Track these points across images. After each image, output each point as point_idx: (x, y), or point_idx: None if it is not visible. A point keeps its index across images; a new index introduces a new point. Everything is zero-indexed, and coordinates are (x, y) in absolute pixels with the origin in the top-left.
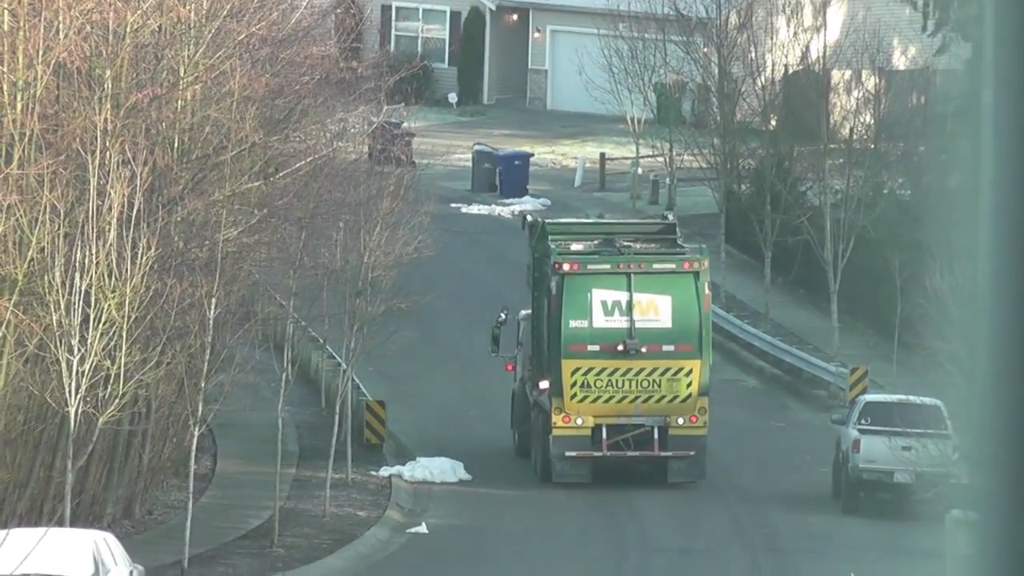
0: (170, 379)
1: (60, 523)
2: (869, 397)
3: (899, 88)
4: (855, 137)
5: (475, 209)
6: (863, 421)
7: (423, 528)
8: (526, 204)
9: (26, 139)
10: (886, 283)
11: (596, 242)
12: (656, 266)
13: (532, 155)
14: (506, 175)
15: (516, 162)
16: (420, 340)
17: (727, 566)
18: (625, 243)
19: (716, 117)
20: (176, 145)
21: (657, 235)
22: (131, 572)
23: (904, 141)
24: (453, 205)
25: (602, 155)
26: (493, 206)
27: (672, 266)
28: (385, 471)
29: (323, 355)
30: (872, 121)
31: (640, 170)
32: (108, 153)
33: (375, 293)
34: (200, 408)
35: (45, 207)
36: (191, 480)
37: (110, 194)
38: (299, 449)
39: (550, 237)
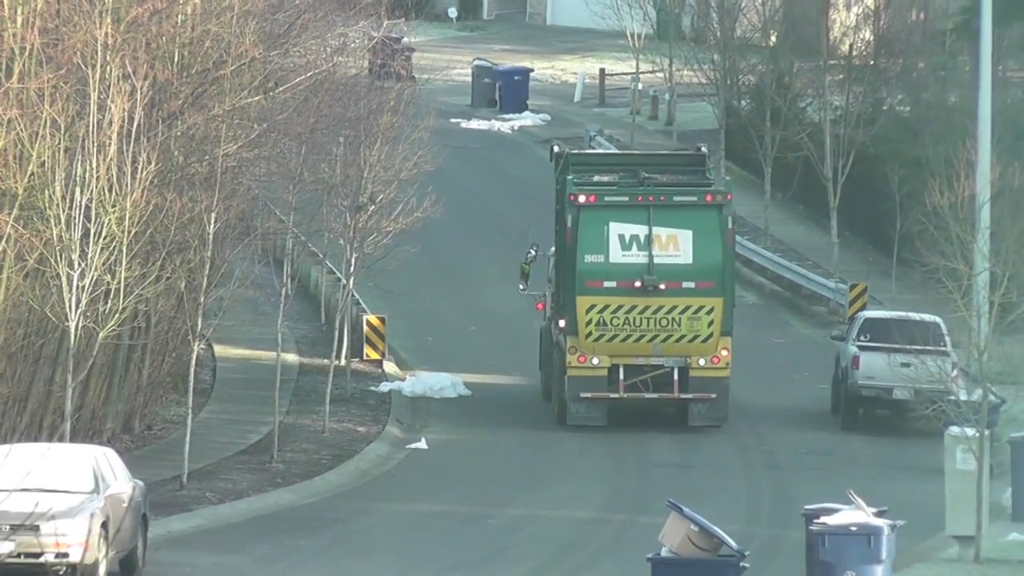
0: (170, 294)
1: (60, 438)
2: (868, 313)
3: (898, 4)
4: (855, 53)
5: (475, 124)
6: (862, 337)
7: (423, 443)
8: (526, 119)
9: (26, 53)
10: (886, 199)
11: (620, 175)
12: (677, 199)
13: (532, 70)
14: (506, 90)
15: (516, 77)
16: (420, 255)
17: (727, 482)
18: (649, 175)
19: (716, 33)
20: (176, 59)
21: (686, 167)
22: (132, 487)
23: (903, 57)
24: (453, 120)
25: (602, 71)
26: (493, 121)
27: (694, 199)
28: (384, 386)
29: (323, 270)
30: (872, 37)
31: (640, 86)
32: (108, 67)
33: (375, 208)
34: (200, 323)
35: (45, 121)
36: (190, 395)
37: (110, 108)
38: (298, 364)
39: (572, 168)
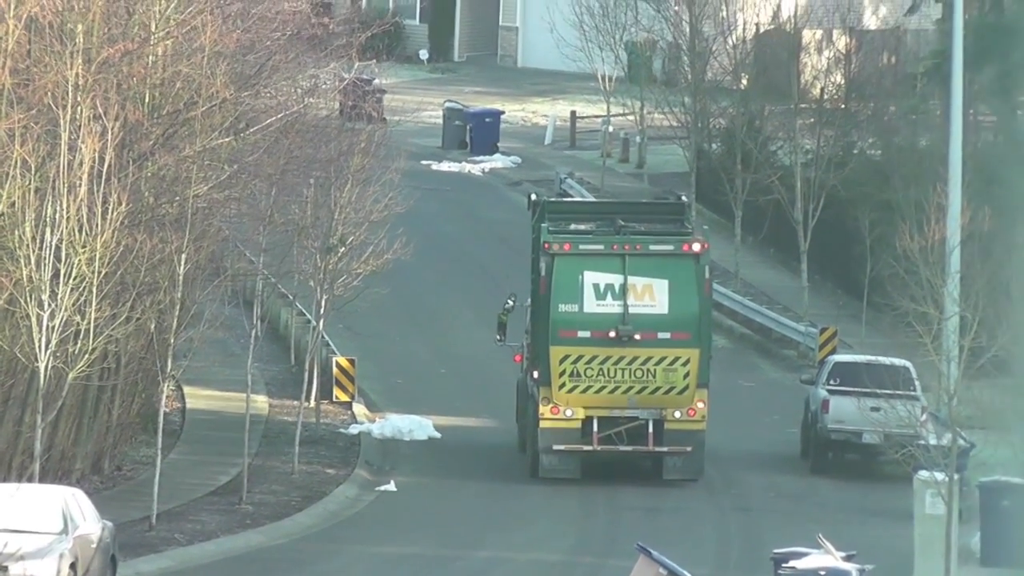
0: (140, 335)
1: (29, 479)
2: (838, 357)
3: (870, 48)
4: (826, 96)
5: (445, 166)
6: (832, 381)
7: (392, 486)
8: (496, 161)
9: None
10: (856, 243)
11: (597, 223)
12: (653, 247)
13: (503, 112)
14: (477, 132)
15: (487, 119)
16: (390, 297)
17: (696, 525)
18: (627, 224)
19: (687, 76)
20: (147, 100)
21: (664, 216)
22: (101, 528)
23: (875, 101)
24: (424, 162)
25: (573, 113)
26: (464, 163)
27: (670, 247)
28: (354, 428)
29: (293, 311)
30: (843, 80)
31: (611, 128)
32: (79, 108)
33: (345, 250)
34: (169, 364)
35: (16, 161)
36: (160, 436)
37: (81, 149)
38: (268, 406)
39: (548, 216)
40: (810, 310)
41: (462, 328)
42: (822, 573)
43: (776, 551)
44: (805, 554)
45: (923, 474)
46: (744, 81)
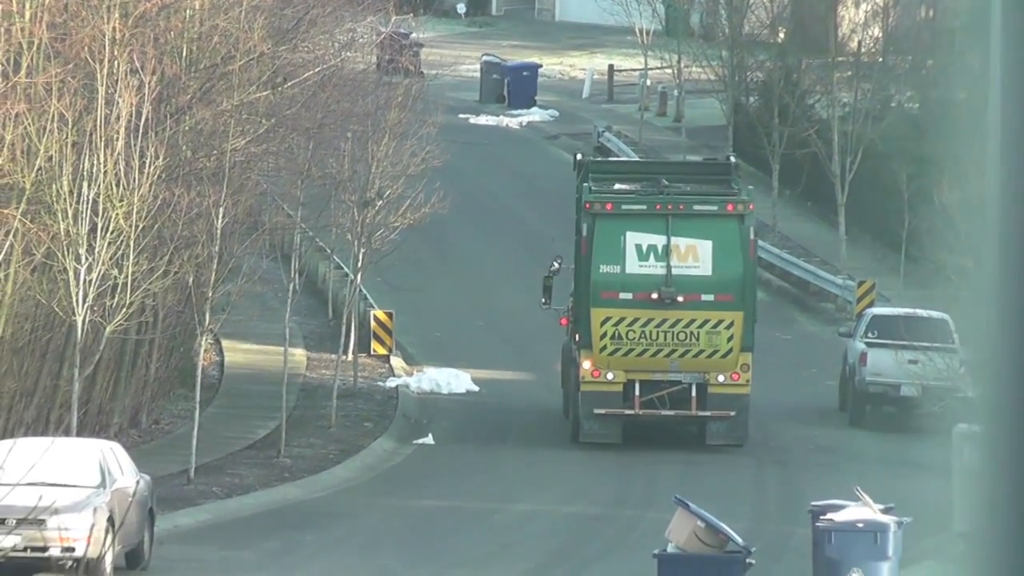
0: (177, 289)
1: (67, 432)
2: (876, 310)
3: (907, 1)
4: (863, 50)
5: (483, 120)
6: (870, 334)
7: (429, 439)
8: (534, 115)
9: (34, 48)
10: (894, 196)
11: (642, 183)
12: (697, 207)
13: (540, 66)
14: (514, 86)
15: (524, 73)
16: (427, 251)
17: (734, 478)
18: (672, 184)
19: (724, 29)
20: (184, 54)
21: (711, 176)
22: (137, 481)
23: (912, 54)
24: (461, 116)
25: (610, 67)
26: (501, 117)
27: (714, 208)
28: (392, 382)
29: (330, 265)
30: (880, 34)
31: (648, 82)
32: (116, 62)
33: (383, 204)
34: (207, 318)
35: (53, 116)
36: (198, 390)
37: (118, 103)
38: (306, 360)
39: (591, 176)
40: (848, 263)
41: (499, 281)
42: (860, 525)
43: (814, 504)
44: (843, 507)
45: (961, 427)
46: (782, 34)
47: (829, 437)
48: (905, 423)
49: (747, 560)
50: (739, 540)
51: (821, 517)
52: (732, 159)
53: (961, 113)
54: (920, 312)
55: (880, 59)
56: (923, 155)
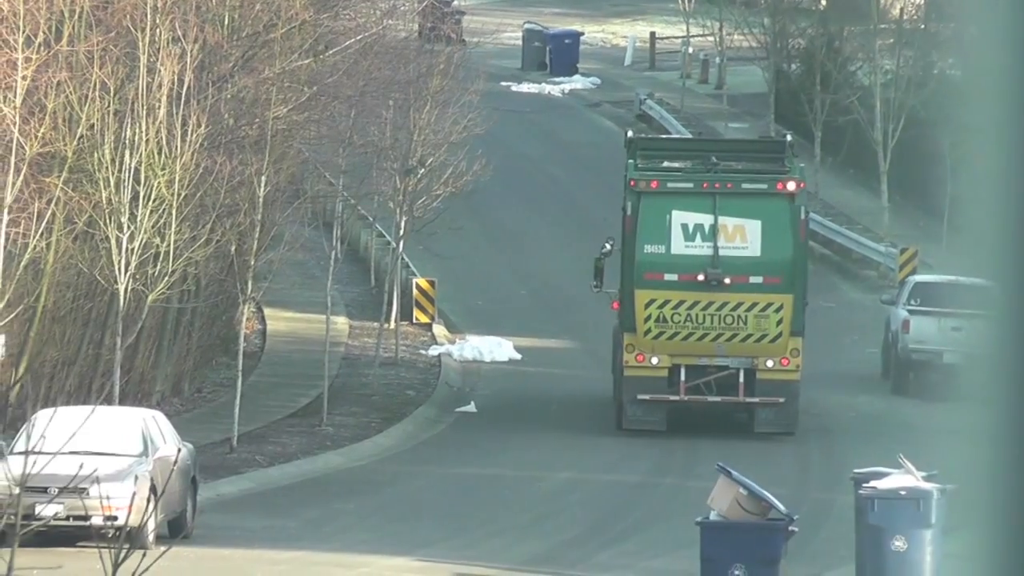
0: (219, 257)
1: (109, 400)
2: (919, 277)
3: None
4: (905, 17)
5: (525, 88)
6: (913, 301)
7: (472, 407)
8: (576, 83)
9: (76, 16)
10: (936, 164)
11: (692, 161)
12: (745, 186)
13: (582, 34)
14: (556, 53)
15: (566, 40)
16: (469, 219)
17: (776, 446)
18: (723, 161)
19: None
20: (226, 22)
21: (764, 154)
22: (179, 450)
23: (955, 21)
24: (503, 83)
25: (652, 34)
26: (543, 84)
27: (764, 186)
28: (434, 350)
29: (372, 233)
30: (922, 0)
31: (690, 49)
32: (158, 30)
33: (425, 172)
34: (249, 286)
35: (95, 84)
36: (240, 358)
37: (160, 71)
38: (348, 328)
39: (639, 153)
40: (890, 230)
41: (542, 249)
42: (903, 493)
43: (856, 471)
44: (886, 474)
45: None
46: (823, 1)
47: (872, 405)
48: (948, 390)
49: (790, 528)
50: (781, 508)
51: (864, 485)
52: (788, 137)
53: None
54: (963, 279)
55: (922, 25)
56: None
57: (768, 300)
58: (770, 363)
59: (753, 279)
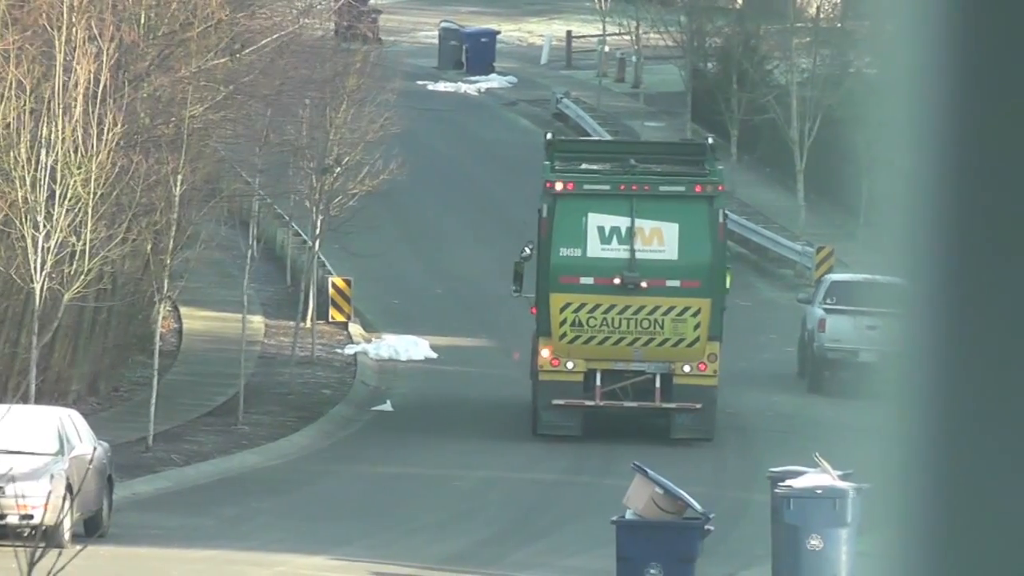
0: (136, 256)
1: (25, 399)
2: (835, 276)
3: None
4: (822, 15)
5: (441, 86)
6: (829, 300)
7: (388, 406)
8: (492, 81)
9: None
10: (852, 162)
11: (611, 164)
12: (663, 188)
13: (499, 32)
14: (473, 52)
15: (483, 39)
16: (386, 218)
17: (691, 444)
18: (642, 164)
19: None
20: (142, 21)
21: (684, 157)
22: (95, 448)
23: (871, 19)
24: (419, 82)
25: (568, 32)
26: (460, 83)
27: (681, 189)
28: (350, 348)
29: (289, 232)
30: None
31: (607, 48)
32: (74, 29)
33: (341, 171)
34: (166, 285)
35: (11, 83)
36: (156, 357)
37: (76, 70)
38: (264, 326)
39: (556, 155)
40: (807, 229)
41: (458, 248)
42: (819, 492)
43: (773, 470)
44: (802, 473)
45: None
46: (739, 0)
47: (788, 403)
48: (863, 389)
49: (706, 526)
50: (697, 506)
51: (780, 483)
52: (710, 140)
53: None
54: (879, 278)
55: (839, 24)
56: (881, 121)
57: (685, 304)
58: (687, 368)
59: (670, 283)
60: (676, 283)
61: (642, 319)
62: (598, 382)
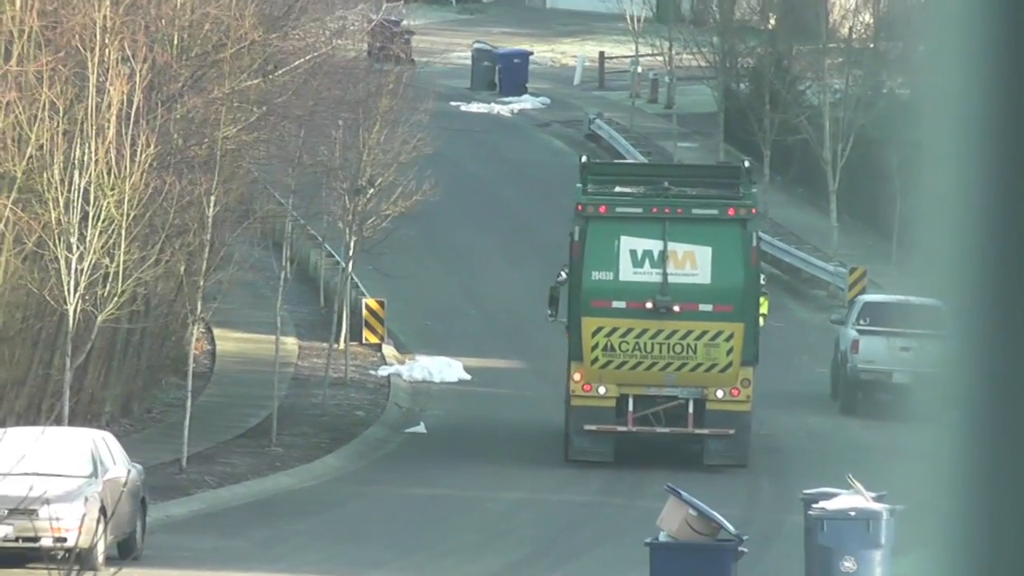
0: (169, 277)
1: (58, 421)
2: (868, 297)
3: None
4: (854, 36)
5: (474, 107)
6: (862, 321)
7: (421, 427)
8: (525, 102)
9: (25, 36)
10: (885, 183)
11: (645, 187)
12: (696, 211)
13: (531, 53)
14: (505, 73)
15: (515, 60)
16: (419, 239)
17: (725, 466)
18: (676, 187)
19: (715, 15)
20: (175, 42)
21: (719, 180)
22: (129, 471)
23: (903, 40)
24: (452, 103)
25: (601, 53)
26: (492, 104)
27: (714, 212)
28: (383, 370)
29: (322, 253)
30: (871, 19)
31: (639, 69)
32: (107, 50)
33: (374, 192)
34: (199, 306)
35: (44, 104)
36: (190, 378)
37: (109, 91)
38: (297, 348)
39: (590, 178)
40: (839, 250)
41: (491, 269)
42: (852, 513)
43: (806, 492)
44: (835, 495)
45: None
46: (772, 20)
47: (821, 425)
48: (897, 410)
49: (739, 548)
50: (731, 528)
51: (813, 505)
52: (746, 163)
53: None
54: (912, 299)
55: (871, 45)
56: (915, 141)
57: (718, 328)
58: (720, 393)
59: (703, 307)
60: (709, 307)
61: (674, 344)
62: (630, 407)
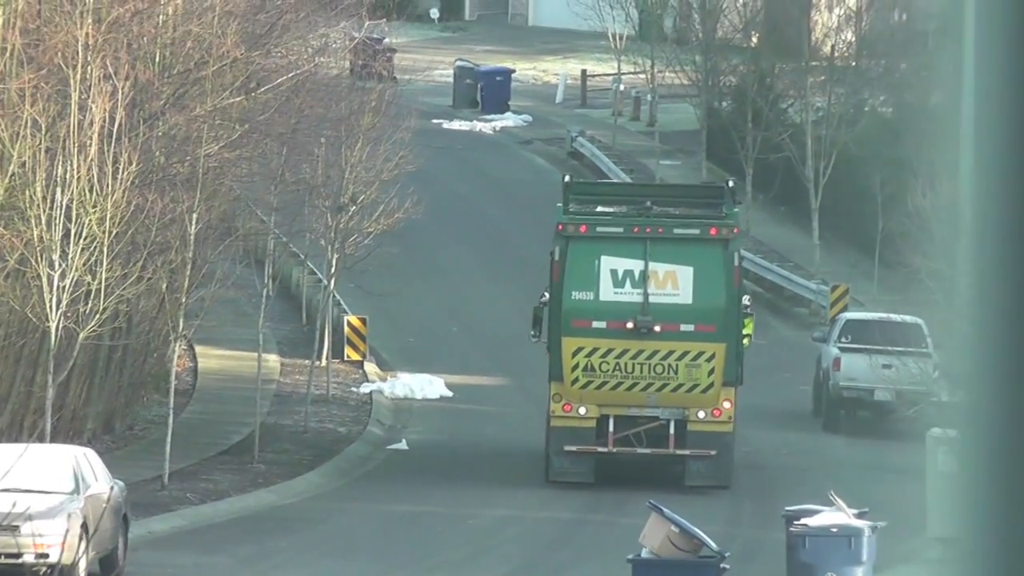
0: (151, 294)
1: (40, 438)
2: (850, 315)
3: (881, 4)
4: (837, 54)
5: (456, 125)
6: (844, 339)
7: (403, 444)
8: (507, 120)
9: (7, 54)
10: (867, 200)
11: (627, 207)
12: (677, 231)
13: (514, 71)
14: (488, 91)
15: (498, 78)
16: (401, 256)
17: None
18: (659, 207)
19: (698, 34)
20: (157, 60)
21: (702, 199)
22: (111, 487)
23: (886, 58)
24: (434, 121)
25: (583, 71)
26: (474, 122)
27: (696, 232)
28: (366, 387)
29: (304, 271)
30: (854, 38)
31: (622, 87)
32: (89, 68)
33: (356, 209)
34: (181, 323)
35: (26, 121)
36: (171, 395)
37: (91, 109)
38: (280, 365)
39: (572, 197)
40: (822, 268)
41: (473, 286)
42: (834, 530)
43: (788, 508)
44: (817, 511)
45: (935, 431)
46: (755, 39)
47: (803, 442)
48: (879, 428)
49: (721, 565)
50: (713, 545)
51: (795, 522)
52: (730, 183)
53: (935, 116)
54: (894, 317)
55: (853, 63)
56: (897, 159)
57: (700, 349)
58: (702, 414)
59: (684, 327)
60: (690, 327)
61: (656, 364)
62: (611, 428)
